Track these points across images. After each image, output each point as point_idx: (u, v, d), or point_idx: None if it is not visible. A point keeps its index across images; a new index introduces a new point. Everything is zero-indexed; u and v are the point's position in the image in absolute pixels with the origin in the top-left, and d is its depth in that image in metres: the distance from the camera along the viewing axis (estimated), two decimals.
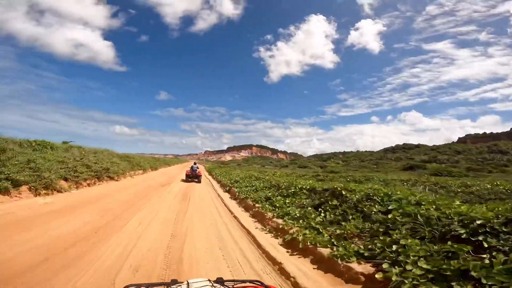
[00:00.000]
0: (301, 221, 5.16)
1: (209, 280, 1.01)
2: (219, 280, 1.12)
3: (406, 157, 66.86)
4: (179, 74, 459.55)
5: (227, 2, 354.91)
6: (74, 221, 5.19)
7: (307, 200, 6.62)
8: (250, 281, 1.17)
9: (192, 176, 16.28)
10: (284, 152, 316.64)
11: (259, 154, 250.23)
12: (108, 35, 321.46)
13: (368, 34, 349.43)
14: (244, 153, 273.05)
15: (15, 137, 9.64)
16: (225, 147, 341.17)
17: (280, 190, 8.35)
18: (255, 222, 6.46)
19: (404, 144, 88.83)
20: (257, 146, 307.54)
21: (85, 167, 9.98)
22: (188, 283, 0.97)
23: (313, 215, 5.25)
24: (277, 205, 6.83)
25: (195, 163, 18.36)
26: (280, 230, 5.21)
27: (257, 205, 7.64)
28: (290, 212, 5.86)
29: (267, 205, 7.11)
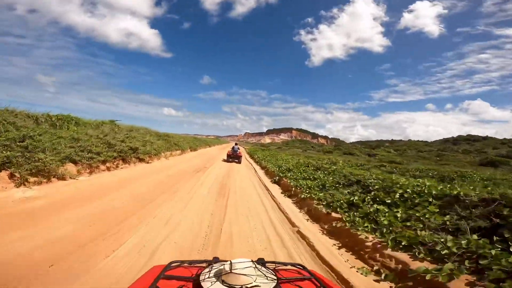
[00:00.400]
0: None
1: (252, 261, 0.98)
2: (261, 261, 1.13)
3: (476, 150, 54.34)
4: (220, 59, 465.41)
5: None
6: (37, 236, 2.98)
7: (458, 221, 3.29)
8: (292, 264, 1.21)
9: (233, 157, 16.70)
10: (325, 137, 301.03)
11: (299, 138, 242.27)
12: (154, 23, 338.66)
13: (425, 17, 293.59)
14: (283, 136, 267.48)
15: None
16: (264, 130, 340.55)
17: (373, 192, 5.09)
18: (348, 252, 3.49)
19: (468, 135, 73.26)
20: (297, 129, 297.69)
21: (106, 146, 8.16)
22: (231, 263, 0.94)
23: None
24: (385, 222, 3.71)
25: (236, 144, 18.52)
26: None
27: (335, 214, 4.64)
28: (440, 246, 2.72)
29: (358, 219, 4.04)
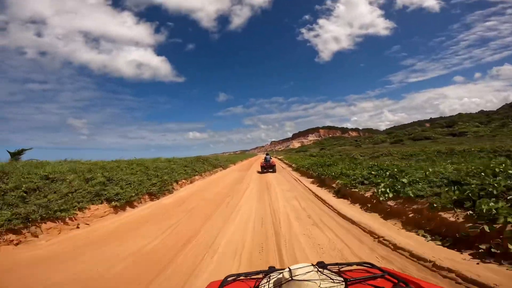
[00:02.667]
0: None
1: (313, 265, 0.92)
2: (321, 264, 1.06)
3: None
4: (231, 73, 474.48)
5: None
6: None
7: None
8: (358, 263, 1.12)
9: (267, 167, 16.33)
10: (356, 129, 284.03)
11: (328, 136, 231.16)
12: (160, 50, 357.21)
13: None
14: (312, 137, 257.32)
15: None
16: (289, 135, 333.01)
17: None
18: None
19: None
20: (323, 127, 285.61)
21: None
22: (290, 270, 0.87)
23: None
24: None
25: (267, 154, 18.20)
26: None
27: None
28: None
29: None
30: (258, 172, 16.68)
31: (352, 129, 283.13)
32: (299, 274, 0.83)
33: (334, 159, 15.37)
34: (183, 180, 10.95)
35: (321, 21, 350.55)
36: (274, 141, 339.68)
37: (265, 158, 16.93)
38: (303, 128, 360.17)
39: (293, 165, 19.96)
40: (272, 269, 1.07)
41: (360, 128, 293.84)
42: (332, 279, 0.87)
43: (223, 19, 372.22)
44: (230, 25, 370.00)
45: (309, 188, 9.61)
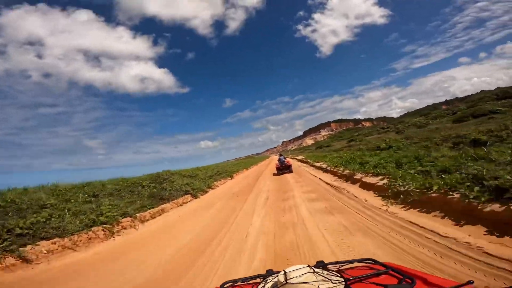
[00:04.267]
0: None
1: (309, 266, 0.88)
2: (321, 264, 1.04)
3: None
4: (234, 78, 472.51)
5: None
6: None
7: None
8: (359, 260, 1.09)
9: (283, 168, 15.62)
10: (369, 119, 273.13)
11: (341, 129, 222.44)
12: (160, 62, 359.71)
13: None
14: (324, 132, 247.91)
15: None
16: (300, 133, 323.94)
17: None
18: None
19: None
20: (334, 121, 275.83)
21: None
22: (285, 273, 0.84)
23: None
24: None
25: (281, 155, 17.35)
26: None
27: None
28: None
29: None
30: (274, 174, 15.66)
31: (365, 120, 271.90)
32: (294, 277, 0.81)
33: (414, 151, 8.49)
34: None
35: (316, 16, 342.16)
36: (285, 141, 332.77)
37: (279, 159, 16.12)
38: (313, 124, 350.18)
39: (326, 166, 14.80)
40: (270, 272, 1.07)
41: (373, 117, 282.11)
42: (331, 280, 0.83)
43: (219, 24, 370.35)
44: (227, 30, 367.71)
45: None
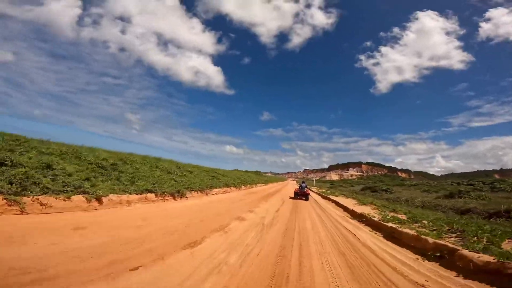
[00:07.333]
0: None
1: None
2: None
3: None
4: (279, 93, 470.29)
5: (318, 12, 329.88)
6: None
7: None
8: None
9: (300, 194, 16.89)
10: (406, 171, 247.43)
11: (372, 173, 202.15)
12: (217, 60, 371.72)
13: (505, 24, 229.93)
14: (353, 171, 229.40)
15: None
16: (325, 166, 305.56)
17: None
18: None
19: None
20: (367, 163, 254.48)
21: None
22: None
23: None
24: None
25: (303, 182, 18.66)
26: None
27: None
28: None
29: None
30: (291, 197, 17.18)
31: (401, 170, 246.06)
32: None
33: None
34: None
35: (383, 49, 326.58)
36: (307, 169, 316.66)
37: (301, 186, 17.63)
38: (342, 160, 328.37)
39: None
40: None
41: (412, 170, 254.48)
42: None
43: (282, 36, 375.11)
44: (288, 44, 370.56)
45: None
